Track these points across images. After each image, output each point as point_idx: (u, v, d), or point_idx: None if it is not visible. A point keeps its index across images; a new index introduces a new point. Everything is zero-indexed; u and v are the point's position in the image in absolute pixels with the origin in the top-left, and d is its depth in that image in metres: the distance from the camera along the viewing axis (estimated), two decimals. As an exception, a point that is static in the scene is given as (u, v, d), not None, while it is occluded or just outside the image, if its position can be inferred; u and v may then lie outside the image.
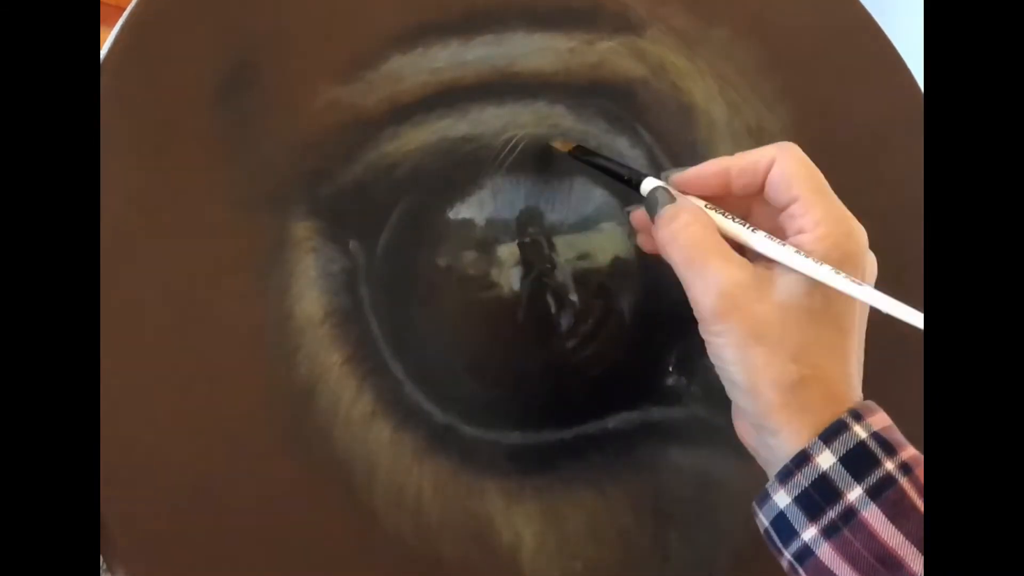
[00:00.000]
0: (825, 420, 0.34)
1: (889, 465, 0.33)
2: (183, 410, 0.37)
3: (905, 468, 0.33)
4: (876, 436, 0.33)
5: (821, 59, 0.50)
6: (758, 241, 0.36)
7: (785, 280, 0.35)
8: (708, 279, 0.35)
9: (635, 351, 0.45)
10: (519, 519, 0.41)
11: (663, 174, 0.39)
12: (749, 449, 0.37)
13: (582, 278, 0.44)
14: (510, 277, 0.43)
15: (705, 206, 0.37)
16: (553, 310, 0.43)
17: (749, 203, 0.39)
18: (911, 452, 0.34)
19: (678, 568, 0.43)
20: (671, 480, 0.43)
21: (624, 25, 0.46)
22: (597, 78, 0.45)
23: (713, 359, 0.36)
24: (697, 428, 0.44)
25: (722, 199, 0.38)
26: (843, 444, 0.33)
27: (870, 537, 0.32)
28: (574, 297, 0.44)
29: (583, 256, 0.44)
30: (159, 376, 0.37)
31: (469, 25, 0.43)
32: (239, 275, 0.38)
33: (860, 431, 0.33)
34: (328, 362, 0.39)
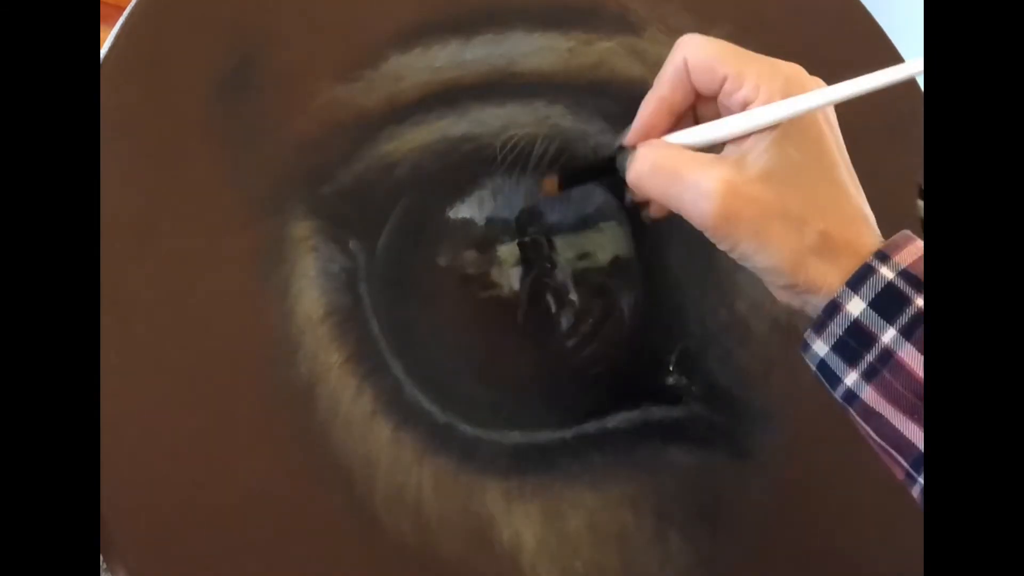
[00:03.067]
0: (851, 263, 0.34)
1: (920, 301, 0.33)
2: (183, 410, 0.37)
3: None
4: (904, 274, 0.33)
5: (821, 59, 0.50)
6: (716, 128, 0.36)
7: (757, 152, 0.35)
8: (693, 188, 0.35)
9: (635, 350, 0.45)
10: (519, 518, 0.41)
11: (616, 143, 0.39)
12: (795, 308, 0.37)
13: (582, 278, 0.44)
14: (510, 277, 0.43)
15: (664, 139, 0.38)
16: (553, 310, 0.43)
17: (691, 115, 0.39)
18: None
19: (678, 568, 0.43)
20: (671, 480, 0.43)
21: (623, 25, 0.46)
22: (596, 78, 0.45)
23: (733, 256, 0.36)
24: (697, 427, 0.44)
25: (677, 122, 0.38)
26: (871, 288, 0.33)
27: (908, 376, 0.32)
28: (574, 297, 0.44)
29: (583, 256, 0.44)
30: (159, 376, 0.37)
31: (469, 25, 0.43)
32: (239, 274, 0.39)
33: (887, 272, 0.33)
34: (328, 362, 0.39)
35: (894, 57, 0.52)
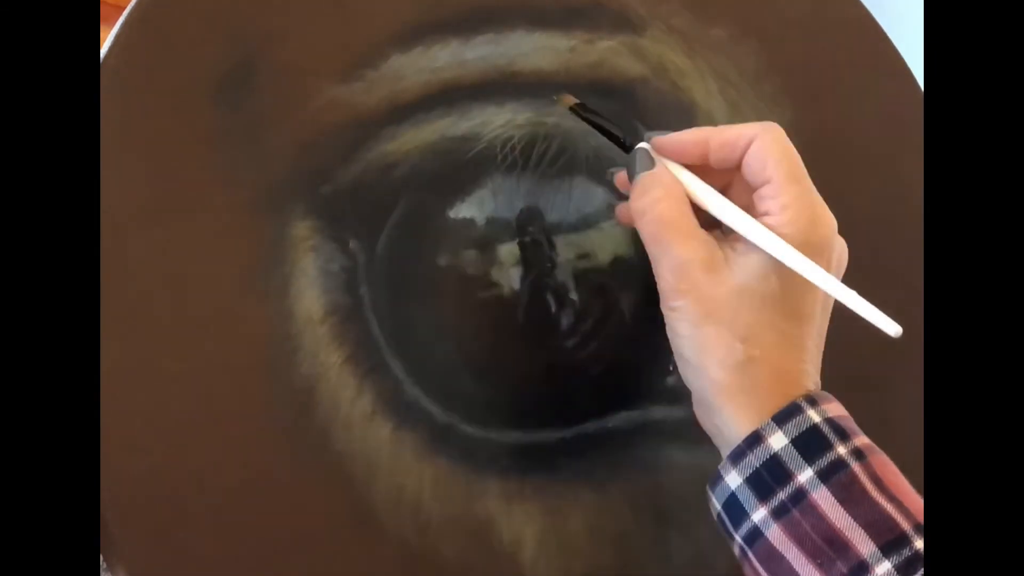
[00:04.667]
0: (775, 403, 0.34)
1: (841, 449, 0.33)
2: (183, 410, 0.37)
3: (858, 454, 0.33)
4: (830, 421, 0.34)
5: (821, 59, 0.50)
6: (726, 213, 0.36)
7: (745, 261, 0.35)
8: (670, 257, 0.35)
9: (635, 350, 0.45)
10: (519, 518, 0.41)
11: (646, 135, 0.39)
12: (706, 431, 0.38)
13: (582, 277, 0.44)
14: (510, 276, 0.43)
15: (685, 170, 0.38)
16: (553, 309, 0.43)
17: (730, 177, 0.39)
18: (865, 440, 0.34)
19: (678, 568, 0.43)
20: (671, 479, 0.43)
21: (624, 24, 0.46)
22: (597, 77, 0.45)
23: (669, 333, 0.36)
24: (697, 427, 0.44)
25: (702, 169, 0.38)
26: (796, 426, 0.33)
27: (819, 519, 0.32)
28: (574, 296, 0.44)
29: (583, 255, 0.44)
30: (159, 376, 0.37)
31: (469, 24, 0.43)
32: (239, 274, 0.38)
33: (814, 415, 0.34)
34: (328, 361, 0.39)
35: (894, 58, 0.52)
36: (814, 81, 0.50)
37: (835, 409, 0.34)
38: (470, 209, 0.43)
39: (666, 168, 0.38)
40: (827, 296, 0.37)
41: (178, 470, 0.36)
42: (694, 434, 0.41)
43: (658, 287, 0.36)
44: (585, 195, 0.45)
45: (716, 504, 0.35)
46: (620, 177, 0.42)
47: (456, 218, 0.43)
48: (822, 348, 0.37)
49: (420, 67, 0.42)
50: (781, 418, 0.34)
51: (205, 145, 0.39)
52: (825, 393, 0.35)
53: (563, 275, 0.44)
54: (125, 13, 0.39)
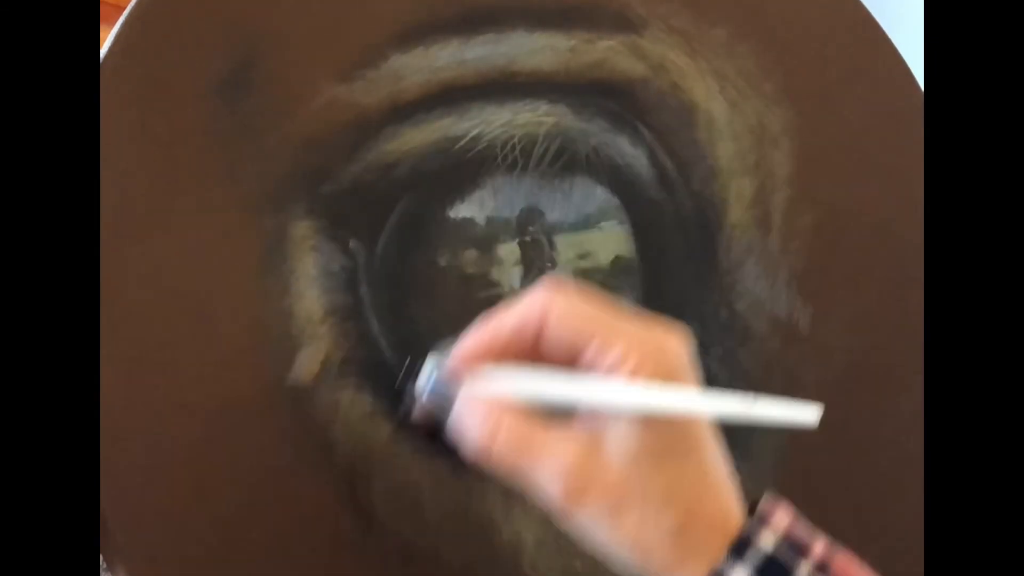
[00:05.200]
0: (719, 550, 0.31)
1: (803, 570, 0.31)
2: (183, 409, 0.37)
3: (821, 568, 0.31)
4: (784, 540, 0.32)
5: (821, 58, 0.50)
6: (573, 389, 0.32)
7: (618, 431, 0.32)
8: (543, 472, 0.32)
9: (635, 350, 0.45)
10: (519, 518, 0.41)
11: (431, 360, 0.34)
12: None
13: (582, 277, 0.44)
14: (510, 276, 0.43)
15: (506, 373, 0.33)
16: (553, 309, 0.43)
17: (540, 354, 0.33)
18: (821, 547, 0.32)
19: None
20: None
21: (624, 24, 0.46)
22: (597, 77, 0.45)
23: (596, 547, 0.33)
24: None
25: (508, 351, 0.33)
26: (754, 556, 0.31)
27: None
28: (574, 296, 0.44)
29: (583, 255, 0.44)
30: (159, 375, 0.37)
31: (470, 24, 0.43)
32: (239, 274, 0.38)
33: (766, 543, 0.31)
34: (328, 361, 0.39)
35: (894, 58, 0.52)
36: (814, 81, 0.50)
37: (781, 520, 0.32)
38: (470, 209, 0.43)
39: (473, 387, 0.33)
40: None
41: (178, 470, 0.36)
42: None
43: (556, 511, 0.32)
44: (585, 195, 0.45)
45: None
46: (422, 411, 0.35)
47: (456, 218, 0.43)
48: (727, 461, 0.34)
49: (420, 67, 0.42)
50: (738, 551, 0.31)
51: (206, 144, 0.39)
52: (764, 507, 0.32)
53: (563, 275, 0.44)
54: (125, 13, 0.39)
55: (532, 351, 0.33)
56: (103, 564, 0.35)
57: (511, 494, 0.41)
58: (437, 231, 0.42)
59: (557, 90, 0.44)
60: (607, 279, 0.44)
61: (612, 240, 0.45)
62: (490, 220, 0.43)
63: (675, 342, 0.32)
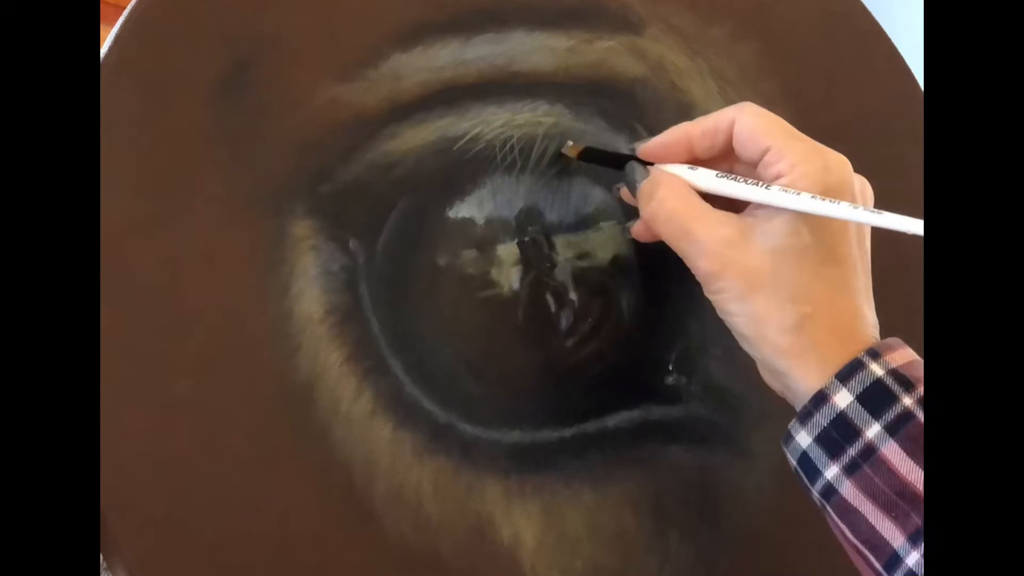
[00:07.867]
0: (837, 356, 0.34)
1: (907, 400, 0.33)
2: (183, 409, 0.37)
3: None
4: (894, 373, 0.34)
5: (821, 58, 0.50)
6: (738, 189, 0.37)
7: (770, 225, 0.35)
8: (696, 244, 0.36)
9: (635, 350, 0.45)
10: (519, 518, 0.41)
11: (631, 146, 0.41)
12: (778, 393, 0.38)
13: (582, 277, 0.44)
14: (510, 276, 0.43)
15: (680, 166, 0.39)
16: (553, 309, 0.43)
17: (730, 166, 0.39)
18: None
19: (678, 568, 0.43)
20: (671, 479, 0.43)
21: (624, 24, 0.46)
22: (597, 77, 0.45)
23: (720, 315, 0.37)
24: (697, 427, 0.44)
25: (695, 163, 0.39)
26: (860, 382, 0.33)
27: (889, 473, 0.33)
28: (574, 296, 0.44)
29: (583, 255, 0.44)
30: (158, 375, 0.37)
31: (469, 24, 0.43)
32: (238, 274, 0.38)
33: (877, 369, 0.34)
34: (328, 361, 0.39)
35: (894, 58, 0.52)
36: (814, 81, 0.50)
37: (899, 358, 0.34)
38: (470, 209, 0.43)
39: (660, 169, 0.39)
40: (861, 234, 0.37)
41: (177, 470, 0.36)
42: (694, 433, 0.41)
43: (698, 279, 0.37)
44: (584, 195, 0.45)
45: (791, 460, 0.36)
46: (624, 193, 0.43)
47: (456, 218, 0.43)
48: (871, 286, 0.37)
49: (420, 66, 0.42)
50: (845, 375, 0.34)
51: (205, 144, 0.39)
52: (889, 341, 0.35)
53: (563, 275, 0.44)
54: (125, 13, 0.39)
55: (720, 156, 0.39)
56: (103, 564, 0.35)
57: (511, 494, 0.41)
58: (437, 231, 0.42)
59: (556, 90, 0.44)
60: (606, 279, 0.44)
61: (611, 240, 0.45)
62: (489, 220, 0.43)
63: (840, 164, 0.36)
